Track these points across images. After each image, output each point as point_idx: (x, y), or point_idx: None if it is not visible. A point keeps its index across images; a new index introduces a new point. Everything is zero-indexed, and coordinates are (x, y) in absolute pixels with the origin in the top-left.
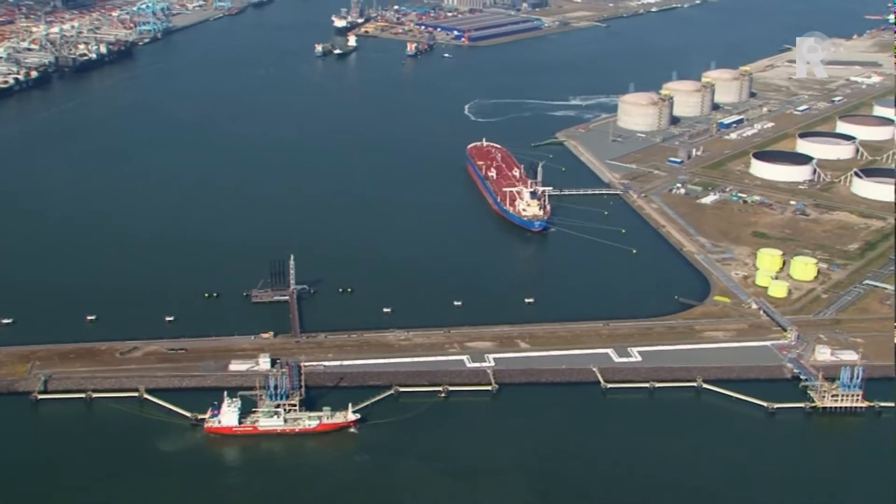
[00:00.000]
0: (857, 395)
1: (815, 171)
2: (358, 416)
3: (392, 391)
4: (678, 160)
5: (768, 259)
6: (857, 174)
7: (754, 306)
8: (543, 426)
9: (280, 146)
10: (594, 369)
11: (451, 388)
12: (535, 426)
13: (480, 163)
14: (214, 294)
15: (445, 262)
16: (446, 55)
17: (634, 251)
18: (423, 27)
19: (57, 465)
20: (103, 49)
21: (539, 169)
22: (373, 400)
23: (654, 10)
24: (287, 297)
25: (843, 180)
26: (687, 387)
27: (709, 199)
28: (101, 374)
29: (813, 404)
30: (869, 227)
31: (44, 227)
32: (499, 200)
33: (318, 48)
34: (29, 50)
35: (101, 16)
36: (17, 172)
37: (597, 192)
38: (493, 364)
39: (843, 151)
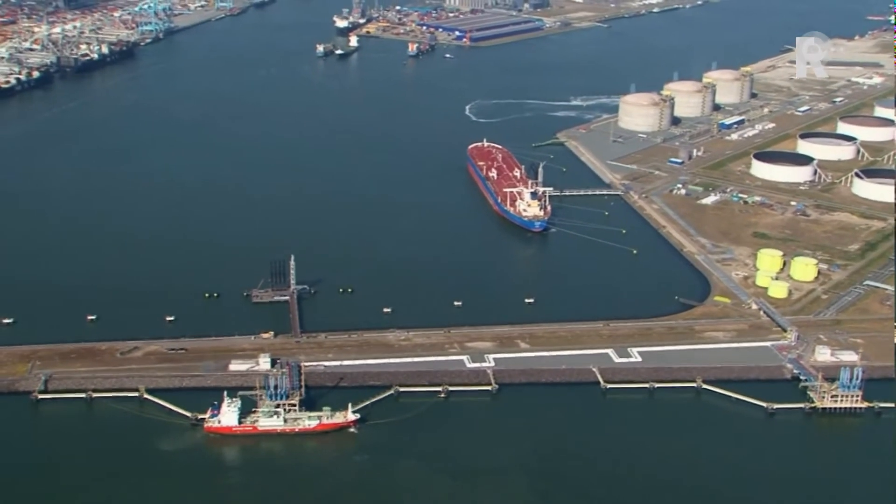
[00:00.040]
0: (857, 396)
1: (815, 172)
2: (358, 416)
3: (392, 391)
4: (679, 161)
5: (768, 259)
6: (857, 175)
7: (754, 307)
8: (543, 426)
9: (281, 146)
10: (594, 369)
11: (451, 389)
12: (535, 426)
13: (481, 163)
14: (215, 294)
15: (446, 262)
16: (448, 55)
17: (635, 251)
18: (424, 27)
19: (57, 465)
20: (105, 49)
21: (540, 169)
22: (373, 400)
23: (655, 10)
24: (287, 297)
25: (843, 181)
26: (687, 387)
27: (709, 200)
28: (101, 373)
29: (812, 405)
30: (869, 228)
31: (45, 227)
32: (499, 201)
33: (320, 48)
34: (31, 50)
35: (103, 16)
36: (19, 172)
37: (597, 192)
38: (493, 364)
39: (843, 152)
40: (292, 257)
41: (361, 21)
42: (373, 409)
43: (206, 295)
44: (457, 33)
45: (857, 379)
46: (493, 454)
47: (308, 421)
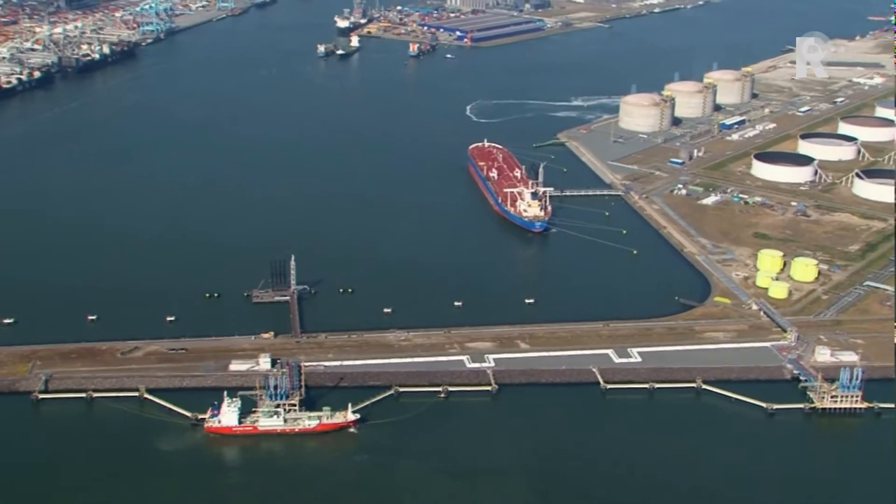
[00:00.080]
0: (857, 396)
1: (816, 173)
2: (357, 416)
3: (392, 391)
4: (680, 161)
5: (769, 260)
6: (858, 175)
7: (755, 307)
8: (543, 426)
9: (282, 146)
10: (594, 370)
11: (451, 389)
12: (535, 426)
13: (482, 163)
14: (215, 294)
15: (446, 262)
16: (449, 56)
17: (635, 252)
18: (425, 28)
19: (57, 465)
20: (106, 49)
21: (540, 170)
22: (373, 400)
23: (656, 10)
24: (288, 298)
25: (844, 181)
26: (687, 387)
27: (710, 200)
28: (101, 373)
29: (812, 405)
30: (870, 229)
31: (46, 228)
32: (500, 201)
33: (321, 49)
34: (32, 50)
35: (105, 16)
36: (20, 172)
37: (598, 192)
38: (493, 364)
39: (844, 152)
40: (293, 257)
41: (362, 21)
42: (373, 409)
43: (207, 295)
44: (458, 33)
45: (856, 379)
46: (493, 454)
47: (308, 421)
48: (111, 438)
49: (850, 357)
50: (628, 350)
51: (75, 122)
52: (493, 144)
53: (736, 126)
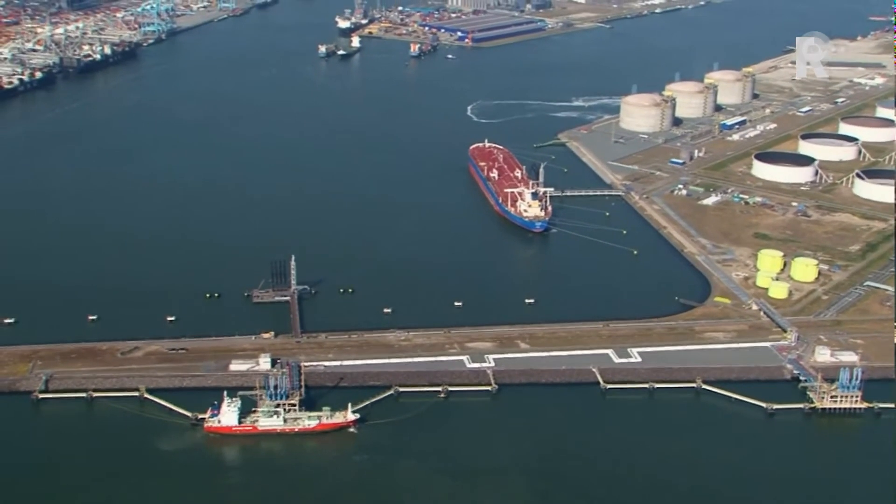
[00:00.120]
0: (856, 397)
1: (816, 173)
2: (357, 415)
3: (392, 391)
4: (680, 161)
5: (769, 260)
6: (859, 175)
7: (755, 307)
8: (543, 426)
9: (282, 147)
10: (594, 370)
11: (451, 389)
12: (534, 426)
13: (482, 163)
14: (216, 294)
15: (446, 262)
16: (450, 56)
17: (635, 252)
18: (426, 28)
19: (57, 465)
20: (108, 50)
21: (541, 170)
22: (372, 400)
23: (657, 11)
24: (288, 298)
25: (845, 182)
26: (686, 387)
27: (710, 201)
28: (102, 373)
29: (812, 405)
30: (870, 229)
31: (46, 228)
32: (500, 201)
33: (322, 49)
34: (34, 51)
35: (106, 17)
36: (21, 173)
37: (598, 193)
38: (492, 364)
39: (845, 153)
40: (293, 257)
41: (363, 22)
42: (372, 409)
43: (207, 295)
44: (459, 34)
45: (856, 379)
46: (492, 454)
47: (308, 421)
48: (111, 438)
49: (849, 357)
50: (628, 350)
51: (76, 122)
52: (494, 145)
53: (737, 126)
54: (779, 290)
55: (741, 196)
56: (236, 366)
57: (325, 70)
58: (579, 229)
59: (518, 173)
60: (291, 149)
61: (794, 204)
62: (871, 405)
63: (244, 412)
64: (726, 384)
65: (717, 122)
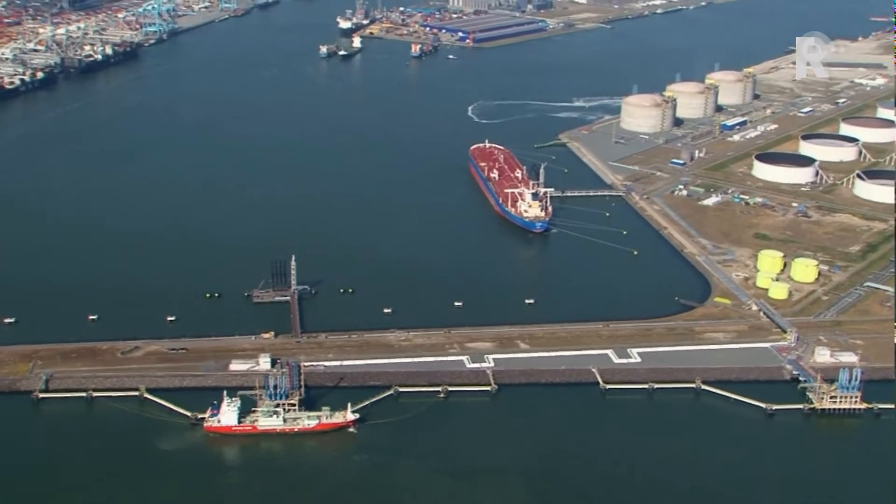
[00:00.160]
0: (856, 397)
1: (817, 173)
2: (357, 415)
3: (392, 391)
4: (681, 162)
5: (769, 261)
6: (859, 176)
7: (754, 308)
8: (543, 426)
9: (283, 147)
10: (593, 370)
11: (451, 389)
12: (534, 426)
13: (483, 164)
14: (216, 294)
15: (446, 262)
16: (451, 56)
17: (636, 252)
18: (427, 29)
19: (57, 464)
20: (109, 50)
21: (541, 170)
22: (372, 400)
23: (659, 11)
24: (288, 298)
25: (845, 182)
26: (686, 388)
27: (711, 201)
28: (102, 373)
29: (811, 406)
30: (871, 230)
31: (47, 228)
32: (501, 201)
33: (323, 49)
34: (35, 51)
35: (107, 17)
36: (22, 173)
37: (599, 193)
38: (492, 365)
39: (846, 153)
40: (293, 257)
41: (365, 22)
42: (372, 409)
43: (207, 295)
44: (460, 34)
45: (855, 380)
46: (492, 454)
47: (307, 421)
48: (111, 438)
49: (849, 358)
50: (628, 350)
51: (77, 122)
52: (495, 145)
53: (737, 127)
54: (779, 291)
55: (741, 196)
56: (236, 366)
57: (326, 70)
58: (580, 230)
59: (518, 174)
60: (292, 149)
61: (795, 204)
62: (870, 406)
63: (244, 412)
64: (726, 385)
65: (717, 123)
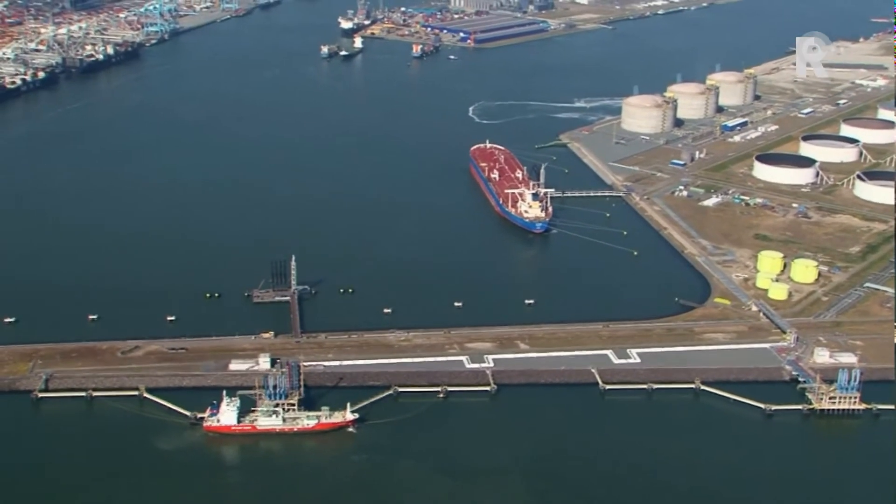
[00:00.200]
0: (855, 398)
1: (817, 174)
2: (356, 415)
3: (391, 391)
4: (681, 162)
5: (769, 261)
6: (860, 177)
7: (754, 308)
8: (542, 427)
9: (284, 147)
10: (593, 370)
11: (451, 389)
12: (533, 427)
13: (483, 164)
14: (216, 294)
15: (446, 263)
16: (452, 57)
17: (636, 253)
18: (429, 29)
19: (57, 464)
20: (110, 50)
21: (542, 171)
22: (372, 400)
23: (660, 12)
24: (288, 298)
25: (846, 183)
26: (685, 388)
27: (711, 202)
28: (101, 373)
29: (811, 406)
30: (871, 230)
31: (47, 227)
32: (501, 202)
33: (324, 50)
34: (36, 51)
35: (109, 17)
36: (23, 173)
37: (599, 194)
38: (492, 365)
39: (846, 154)
40: (293, 257)
41: (366, 22)
42: (372, 409)
43: (207, 295)
44: (461, 35)
45: (855, 381)
46: (492, 454)
47: (307, 420)
48: (111, 437)
49: (848, 358)
50: (627, 351)
51: (79, 122)
52: (495, 145)
53: (738, 128)
54: (778, 292)
55: (742, 197)
56: (236, 365)
57: (327, 70)
58: (580, 230)
59: (519, 174)
60: (293, 149)
61: (795, 205)
62: (869, 406)
63: (243, 412)
64: (725, 385)
65: (718, 124)
